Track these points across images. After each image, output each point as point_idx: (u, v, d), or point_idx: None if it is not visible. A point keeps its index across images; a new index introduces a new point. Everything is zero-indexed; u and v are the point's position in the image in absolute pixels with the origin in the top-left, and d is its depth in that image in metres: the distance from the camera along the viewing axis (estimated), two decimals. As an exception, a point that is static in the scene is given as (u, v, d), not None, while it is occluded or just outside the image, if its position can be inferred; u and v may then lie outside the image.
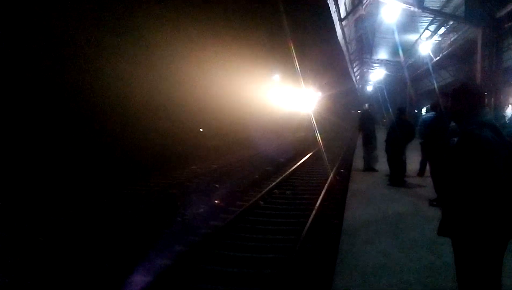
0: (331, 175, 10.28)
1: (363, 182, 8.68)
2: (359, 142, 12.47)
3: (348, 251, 4.31)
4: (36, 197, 7.76)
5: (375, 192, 7.63)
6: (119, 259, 4.73)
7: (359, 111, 13.20)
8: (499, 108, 11.37)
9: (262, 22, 24.18)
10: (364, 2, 13.20)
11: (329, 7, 11.20)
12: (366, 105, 11.71)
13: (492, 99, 11.21)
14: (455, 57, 20.75)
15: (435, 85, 20.48)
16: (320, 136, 20.16)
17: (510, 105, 14.69)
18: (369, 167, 10.20)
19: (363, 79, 43.87)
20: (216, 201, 7.79)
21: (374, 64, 31.63)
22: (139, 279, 4.16)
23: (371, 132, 10.44)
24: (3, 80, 11.21)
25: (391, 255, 4.19)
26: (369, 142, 10.30)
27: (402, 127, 8.41)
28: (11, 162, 9.74)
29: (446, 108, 6.37)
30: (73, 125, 12.79)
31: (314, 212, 6.64)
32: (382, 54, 26.90)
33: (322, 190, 8.48)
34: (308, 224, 5.93)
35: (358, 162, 11.31)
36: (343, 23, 13.47)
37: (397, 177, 8.42)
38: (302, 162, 13.45)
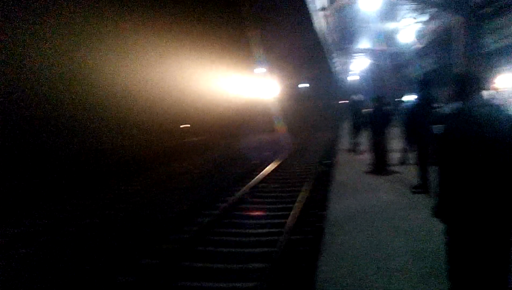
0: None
1: (346, 172, 8.72)
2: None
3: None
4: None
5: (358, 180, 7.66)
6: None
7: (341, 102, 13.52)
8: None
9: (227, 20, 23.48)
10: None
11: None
12: (357, 95, 12.46)
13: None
14: (438, 43, 20.98)
15: (418, 71, 20.67)
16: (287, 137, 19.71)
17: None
18: (354, 150, 11.41)
19: (346, 68, 43.98)
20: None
21: (358, 54, 31.73)
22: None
23: (358, 120, 11.23)
24: None
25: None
26: (357, 128, 11.42)
27: (381, 115, 8.49)
28: None
29: (425, 93, 6.41)
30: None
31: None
32: (364, 43, 27.01)
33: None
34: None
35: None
36: (325, 12, 13.40)
37: (380, 165, 8.48)
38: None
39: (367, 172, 8.54)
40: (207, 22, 20.22)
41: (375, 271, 3.55)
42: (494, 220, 2.18)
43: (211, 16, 19.90)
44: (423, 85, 6.59)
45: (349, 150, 11.69)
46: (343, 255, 3.92)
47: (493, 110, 2.26)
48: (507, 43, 16.24)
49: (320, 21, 14.13)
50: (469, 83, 2.41)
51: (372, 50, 28.18)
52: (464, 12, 11.22)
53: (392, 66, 29.20)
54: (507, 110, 2.32)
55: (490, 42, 17.84)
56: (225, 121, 26.10)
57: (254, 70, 29.10)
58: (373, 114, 8.64)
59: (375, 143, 8.59)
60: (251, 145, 19.00)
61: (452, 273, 2.37)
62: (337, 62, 35.21)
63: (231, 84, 26.33)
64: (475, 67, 11.43)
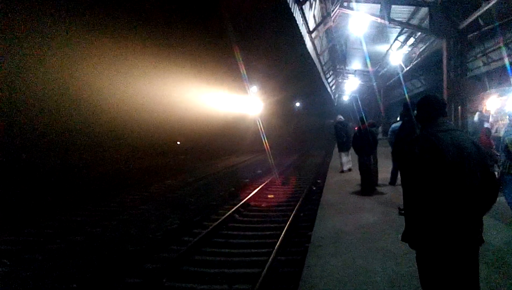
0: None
1: (335, 192, 8.72)
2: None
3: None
4: None
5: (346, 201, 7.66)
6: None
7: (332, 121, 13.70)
8: (465, 116, 11.66)
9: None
10: (332, 14, 13.42)
11: (296, 21, 11.33)
12: (340, 116, 12.51)
13: (459, 108, 11.48)
14: (425, 67, 21.37)
15: (406, 95, 20.97)
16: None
17: (477, 113, 15.15)
18: (342, 170, 11.79)
19: (339, 89, 44.49)
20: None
21: (348, 74, 32.16)
22: None
23: (344, 140, 11.60)
24: None
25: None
26: (341, 148, 11.80)
27: (364, 136, 8.58)
28: None
29: (410, 117, 6.52)
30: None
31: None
32: (356, 64, 27.42)
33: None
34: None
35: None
36: (313, 35, 13.62)
37: (368, 185, 8.50)
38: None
39: (354, 193, 8.56)
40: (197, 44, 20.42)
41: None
42: (460, 244, 2.19)
43: (201, 38, 20.08)
44: (408, 108, 6.71)
45: (340, 171, 11.95)
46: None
47: (457, 135, 2.31)
48: (495, 66, 16.63)
49: (309, 43, 14.35)
50: (433, 108, 2.45)
51: (361, 71, 28.61)
52: (451, 36, 11.46)
53: (381, 88, 29.65)
54: (469, 135, 2.39)
55: (479, 65, 18.25)
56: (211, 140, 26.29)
57: (247, 89, 29.23)
58: (358, 136, 8.73)
59: (361, 164, 8.65)
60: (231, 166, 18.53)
61: None
62: (331, 83, 35.65)
63: (221, 102, 26.36)
64: (463, 90, 11.61)
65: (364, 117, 8.82)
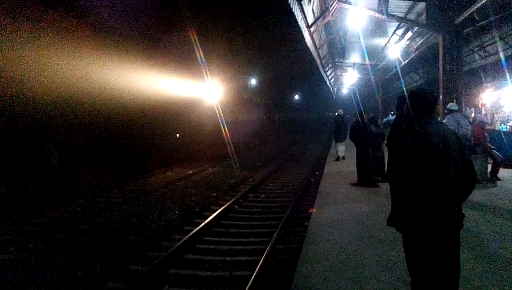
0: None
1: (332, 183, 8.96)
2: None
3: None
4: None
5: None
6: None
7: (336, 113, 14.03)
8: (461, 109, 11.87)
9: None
10: (330, 9, 13.57)
11: (295, 16, 11.49)
12: (340, 110, 13.99)
13: (454, 101, 11.68)
14: (423, 60, 21.51)
15: (404, 88, 21.11)
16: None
17: (472, 108, 15.37)
18: (337, 158, 13.25)
19: (338, 82, 44.63)
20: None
21: (347, 68, 32.26)
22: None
23: (341, 131, 12.90)
24: None
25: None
26: (338, 139, 13.17)
27: (363, 129, 8.83)
28: None
29: (402, 110, 6.74)
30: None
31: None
32: (355, 57, 27.52)
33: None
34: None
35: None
36: (312, 29, 13.78)
37: (364, 177, 8.76)
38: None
39: (351, 184, 8.81)
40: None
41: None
42: (442, 227, 2.36)
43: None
44: (403, 101, 6.92)
45: (336, 159, 13.39)
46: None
47: (441, 127, 2.50)
48: (492, 60, 16.80)
49: (308, 37, 14.51)
50: (426, 101, 2.58)
51: (360, 64, 28.72)
52: (448, 31, 11.62)
53: (380, 81, 29.82)
54: (451, 128, 2.57)
55: (476, 59, 18.41)
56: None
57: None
58: (357, 128, 8.95)
59: (359, 156, 8.90)
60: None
61: (412, 280, 2.53)
62: (331, 76, 35.78)
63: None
64: (459, 83, 11.80)
65: (362, 110, 9.04)
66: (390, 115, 19.74)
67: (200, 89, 20.06)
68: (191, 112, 20.32)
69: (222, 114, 18.51)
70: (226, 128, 18.02)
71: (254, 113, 31.90)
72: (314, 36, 14.99)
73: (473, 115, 14.05)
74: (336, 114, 13.94)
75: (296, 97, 51.02)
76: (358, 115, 9.12)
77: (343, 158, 13.20)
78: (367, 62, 23.41)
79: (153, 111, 17.58)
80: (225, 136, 17.55)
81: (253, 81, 30.74)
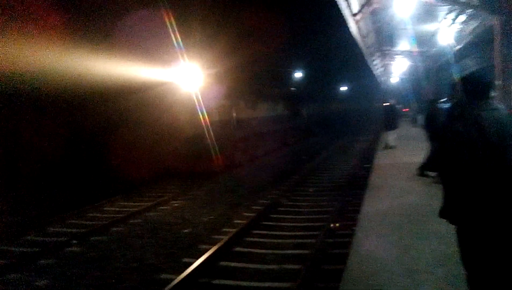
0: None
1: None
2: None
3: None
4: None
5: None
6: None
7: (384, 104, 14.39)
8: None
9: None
10: (376, -5, 13.19)
11: (337, 5, 11.37)
12: (389, 99, 15.28)
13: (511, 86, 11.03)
14: (477, 45, 20.32)
15: (457, 75, 20.04)
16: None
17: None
18: (387, 146, 13.91)
19: (387, 71, 43.15)
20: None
21: (396, 56, 31.14)
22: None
23: (392, 120, 13.66)
24: None
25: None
26: (389, 127, 13.87)
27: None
28: None
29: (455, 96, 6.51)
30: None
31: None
32: (404, 44, 26.48)
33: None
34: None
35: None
36: (357, 17, 13.52)
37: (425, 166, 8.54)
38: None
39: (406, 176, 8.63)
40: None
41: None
42: (499, 219, 2.24)
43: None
44: (456, 88, 6.70)
45: (384, 147, 14.10)
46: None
47: (500, 114, 2.36)
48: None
49: (354, 26, 14.24)
50: (479, 85, 2.50)
51: (410, 52, 27.62)
52: (504, 12, 10.96)
53: (431, 68, 28.54)
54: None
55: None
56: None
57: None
58: (428, 115, 8.68)
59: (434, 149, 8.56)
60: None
61: (468, 275, 2.43)
62: (377, 65, 34.70)
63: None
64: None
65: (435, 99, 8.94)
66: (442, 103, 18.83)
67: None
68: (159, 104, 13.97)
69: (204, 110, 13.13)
70: (210, 132, 12.71)
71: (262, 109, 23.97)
72: (360, 25, 14.70)
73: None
74: (386, 104, 14.75)
75: (339, 87, 49.71)
76: (431, 102, 9.10)
77: (393, 147, 13.37)
78: (416, 48, 22.45)
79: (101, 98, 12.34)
80: (210, 143, 12.57)
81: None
